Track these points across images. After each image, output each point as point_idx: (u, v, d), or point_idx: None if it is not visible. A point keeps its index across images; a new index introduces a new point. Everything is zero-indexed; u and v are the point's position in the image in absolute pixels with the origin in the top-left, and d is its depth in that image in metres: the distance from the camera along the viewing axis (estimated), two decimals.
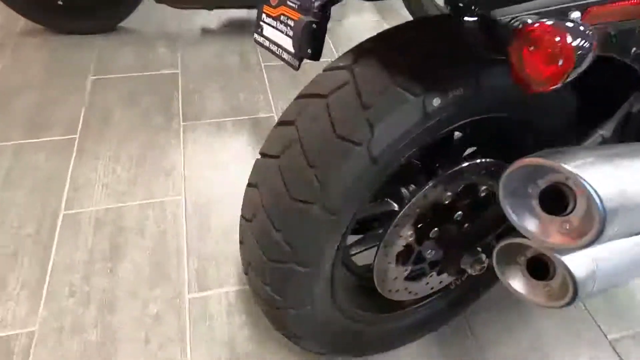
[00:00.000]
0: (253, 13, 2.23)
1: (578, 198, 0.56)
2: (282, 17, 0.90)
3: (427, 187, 0.72)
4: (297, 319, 0.77)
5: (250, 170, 0.75)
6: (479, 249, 0.82)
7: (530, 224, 0.61)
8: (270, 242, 0.68)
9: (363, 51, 0.66)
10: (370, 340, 0.96)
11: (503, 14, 0.51)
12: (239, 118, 1.69)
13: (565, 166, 0.54)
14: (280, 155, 0.65)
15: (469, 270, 0.82)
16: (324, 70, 0.70)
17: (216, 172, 1.48)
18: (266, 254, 0.69)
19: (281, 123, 0.69)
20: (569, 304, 0.67)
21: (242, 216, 0.75)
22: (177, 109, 1.71)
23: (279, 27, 0.91)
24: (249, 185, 0.74)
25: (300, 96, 0.69)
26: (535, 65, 0.44)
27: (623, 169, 0.56)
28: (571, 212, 0.57)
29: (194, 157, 1.53)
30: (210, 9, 1.89)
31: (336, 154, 0.61)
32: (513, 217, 0.61)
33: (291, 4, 0.86)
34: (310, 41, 0.78)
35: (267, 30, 0.95)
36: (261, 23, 0.97)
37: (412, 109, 0.61)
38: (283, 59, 0.91)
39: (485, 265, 0.81)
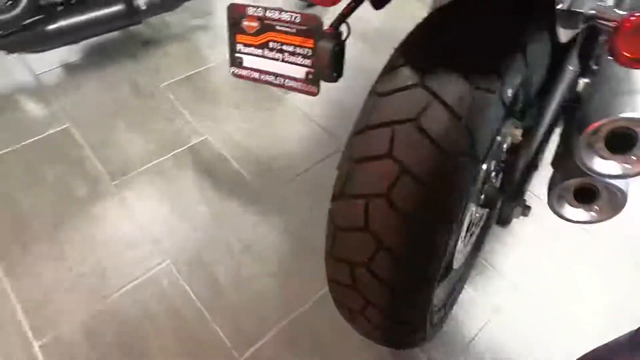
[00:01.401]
0: (112, 34, 1.92)
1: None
2: (272, 44, 0.83)
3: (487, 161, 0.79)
4: (418, 332, 0.80)
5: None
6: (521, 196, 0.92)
7: (599, 164, 0.72)
8: (400, 278, 0.68)
9: (420, 59, 0.66)
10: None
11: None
12: (172, 154, 1.51)
13: (634, 114, 0.65)
14: (388, 191, 0.64)
15: (518, 218, 0.93)
16: (384, 95, 0.67)
17: (186, 221, 1.33)
18: (393, 290, 0.69)
19: (368, 159, 0.66)
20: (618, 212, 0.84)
21: (345, 260, 0.72)
22: (97, 169, 1.45)
23: (271, 55, 0.84)
24: (345, 230, 0.70)
25: (375, 126, 0.66)
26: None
27: None
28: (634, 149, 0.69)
29: (151, 215, 1.34)
30: (77, 42, 1.58)
31: (449, 171, 0.62)
32: (586, 161, 0.71)
33: (284, 28, 0.80)
34: (336, 65, 0.74)
35: (251, 61, 0.87)
36: (238, 55, 0.87)
37: (497, 106, 0.64)
38: (289, 88, 0.85)
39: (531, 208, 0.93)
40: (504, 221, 0.94)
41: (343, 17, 0.73)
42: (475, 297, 1.21)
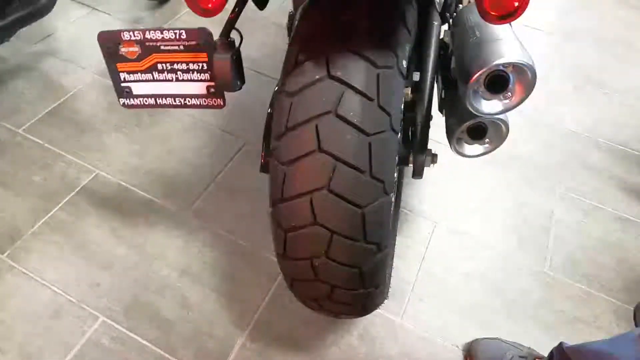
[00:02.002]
0: None
1: (511, 75, 0.79)
2: (160, 66, 0.78)
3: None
4: (380, 294, 0.87)
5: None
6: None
7: (485, 105, 0.83)
8: (359, 255, 0.72)
9: (320, 51, 0.68)
10: None
11: None
12: (64, 202, 1.35)
13: (503, 59, 0.76)
14: (327, 184, 0.66)
15: (429, 166, 1.04)
16: (296, 93, 0.68)
17: (106, 269, 1.22)
18: (355, 267, 0.73)
19: (300, 158, 0.67)
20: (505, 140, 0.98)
21: (302, 257, 0.74)
22: None
23: (162, 77, 0.79)
24: (295, 229, 0.71)
25: (297, 125, 0.67)
26: (505, 6, 0.60)
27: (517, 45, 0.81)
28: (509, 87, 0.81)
29: (64, 276, 1.20)
30: None
31: (380, 148, 0.67)
32: (476, 106, 0.82)
33: (169, 47, 0.75)
34: (238, 74, 0.73)
35: (141, 88, 0.81)
36: (124, 85, 0.81)
37: (398, 78, 0.69)
38: (193, 106, 0.81)
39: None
40: (418, 173, 1.03)
41: (231, 24, 0.72)
42: (407, 244, 1.33)
